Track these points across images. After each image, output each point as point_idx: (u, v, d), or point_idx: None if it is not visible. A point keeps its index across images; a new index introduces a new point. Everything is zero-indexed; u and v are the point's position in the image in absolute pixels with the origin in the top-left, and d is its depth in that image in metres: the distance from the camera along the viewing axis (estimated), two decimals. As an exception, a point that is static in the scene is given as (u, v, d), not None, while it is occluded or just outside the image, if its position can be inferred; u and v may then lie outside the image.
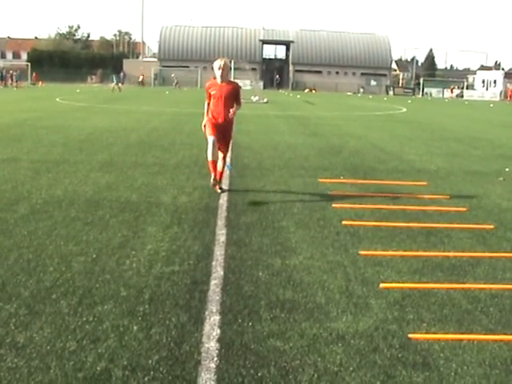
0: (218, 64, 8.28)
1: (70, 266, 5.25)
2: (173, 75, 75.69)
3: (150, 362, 3.61)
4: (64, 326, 4.06)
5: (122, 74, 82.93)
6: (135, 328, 4.06)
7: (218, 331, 4.06)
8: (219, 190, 8.57)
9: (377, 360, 3.75)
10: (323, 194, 8.79)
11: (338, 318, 4.36)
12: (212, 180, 8.57)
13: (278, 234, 6.58)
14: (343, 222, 7.09)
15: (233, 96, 8.40)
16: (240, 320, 4.25)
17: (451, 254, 6.03)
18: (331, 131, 19.69)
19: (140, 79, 77.29)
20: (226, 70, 8.34)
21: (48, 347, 3.74)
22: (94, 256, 5.55)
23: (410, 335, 4.11)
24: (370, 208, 7.92)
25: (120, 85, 54.77)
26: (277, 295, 4.75)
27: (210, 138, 8.30)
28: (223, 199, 8.10)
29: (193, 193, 8.49)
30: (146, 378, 3.41)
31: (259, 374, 3.51)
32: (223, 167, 8.63)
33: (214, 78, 8.52)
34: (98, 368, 3.51)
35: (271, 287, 4.92)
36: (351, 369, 3.62)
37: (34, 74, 72.08)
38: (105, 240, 6.08)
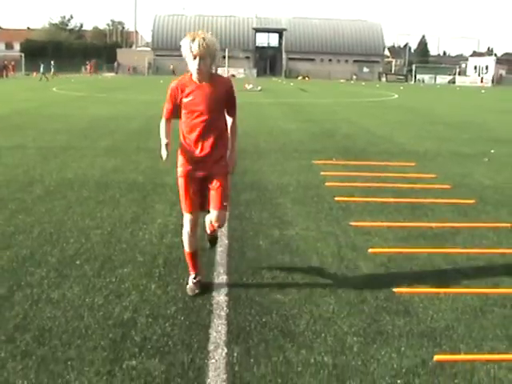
0: (191, 45, 4.16)
1: (89, 238, 5.81)
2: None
3: (169, 311, 4.19)
4: (90, 285, 4.63)
5: (116, 63, 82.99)
6: (153, 286, 4.64)
7: (226, 288, 4.64)
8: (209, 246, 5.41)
9: (364, 309, 4.34)
10: (317, 174, 9.35)
11: (331, 277, 4.95)
12: (191, 282, 4.61)
13: (276, 209, 7.15)
14: (336, 198, 7.66)
15: (223, 103, 4.42)
16: (245, 279, 4.84)
17: (434, 224, 6.60)
18: (324, 117, 20.25)
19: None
20: (207, 56, 4.17)
21: (79, 302, 4.31)
22: (110, 229, 6.12)
23: (394, 289, 4.69)
24: (361, 186, 8.49)
25: (47, 75, 53.43)
26: (276, 260, 5.33)
27: (187, 217, 4.59)
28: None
29: (195, 174, 9.01)
30: (166, 324, 3.99)
31: (263, 320, 4.09)
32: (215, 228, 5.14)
33: (187, 72, 4.40)
34: (125, 317, 4.08)
35: (271, 253, 5.50)
36: (342, 315, 4.21)
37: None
38: (117, 216, 6.64)
